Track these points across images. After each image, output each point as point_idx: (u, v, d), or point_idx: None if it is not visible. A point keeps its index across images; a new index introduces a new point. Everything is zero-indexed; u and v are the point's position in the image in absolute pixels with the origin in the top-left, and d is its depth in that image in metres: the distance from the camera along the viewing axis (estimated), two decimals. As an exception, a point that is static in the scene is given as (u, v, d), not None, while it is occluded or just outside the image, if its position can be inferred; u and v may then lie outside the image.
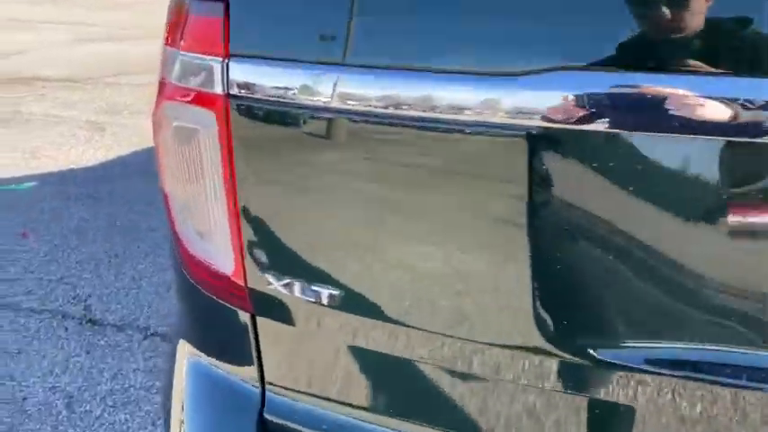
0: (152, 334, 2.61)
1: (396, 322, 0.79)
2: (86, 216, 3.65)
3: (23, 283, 2.97)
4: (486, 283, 0.77)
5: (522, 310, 0.75)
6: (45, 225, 3.54)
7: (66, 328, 2.65)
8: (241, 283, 0.86)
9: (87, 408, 2.24)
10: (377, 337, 0.82)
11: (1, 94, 6.32)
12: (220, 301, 0.90)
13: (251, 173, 0.81)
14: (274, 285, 0.84)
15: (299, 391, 0.90)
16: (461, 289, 0.77)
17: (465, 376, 0.80)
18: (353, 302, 0.81)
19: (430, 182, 0.76)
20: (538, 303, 0.75)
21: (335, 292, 0.81)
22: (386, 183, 0.77)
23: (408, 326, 0.79)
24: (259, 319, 0.88)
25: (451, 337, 0.78)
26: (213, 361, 0.95)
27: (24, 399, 2.26)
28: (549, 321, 0.76)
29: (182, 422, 0.93)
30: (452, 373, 0.81)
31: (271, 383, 0.90)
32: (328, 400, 0.89)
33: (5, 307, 2.78)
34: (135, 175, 4.22)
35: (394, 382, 0.86)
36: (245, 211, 0.83)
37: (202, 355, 0.96)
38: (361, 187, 0.78)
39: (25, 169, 4.35)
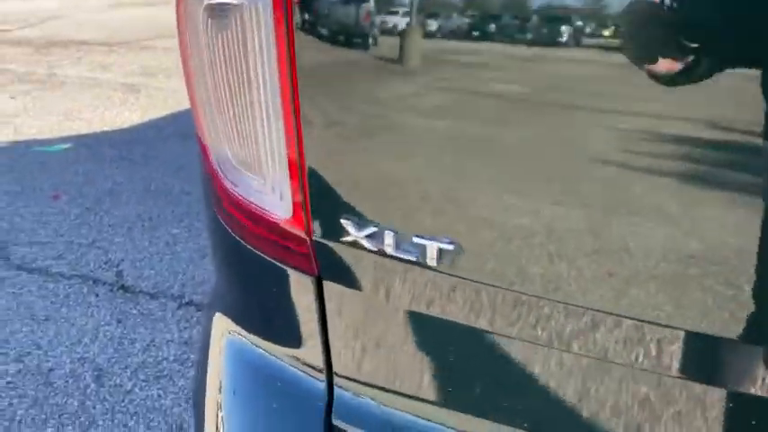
0: (187, 303, 2.42)
1: (541, 296, 0.52)
2: (120, 179, 3.51)
3: (54, 246, 2.82)
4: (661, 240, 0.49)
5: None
6: (78, 187, 3.41)
7: (97, 295, 2.48)
8: (301, 233, 0.60)
9: (117, 381, 2.06)
10: (508, 317, 0.55)
11: (37, 58, 6.29)
12: (271, 260, 0.64)
13: (322, 74, 0.55)
14: (353, 236, 0.57)
15: (380, 388, 0.64)
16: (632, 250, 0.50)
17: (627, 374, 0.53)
18: (479, 264, 0.54)
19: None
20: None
21: (450, 248, 0.54)
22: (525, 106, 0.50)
23: (560, 302, 0.52)
24: (327, 286, 0.62)
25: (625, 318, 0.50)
26: (260, 341, 0.69)
27: (51, 370, 2.09)
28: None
29: (218, 426, 0.67)
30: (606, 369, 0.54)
31: (340, 376, 0.64)
32: (422, 400, 0.62)
33: (34, 271, 2.62)
34: (170, 138, 4.07)
35: (527, 384, 0.59)
36: (311, 130, 0.56)
37: (245, 333, 0.70)
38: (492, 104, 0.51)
39: (59, 131, 4.27)
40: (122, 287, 2.53)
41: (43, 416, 1.90)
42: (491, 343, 0.59)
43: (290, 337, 0.68)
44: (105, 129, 4.29)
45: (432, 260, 0.55)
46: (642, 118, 0.49)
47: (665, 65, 0.46)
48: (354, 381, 0.65)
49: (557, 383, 0.58)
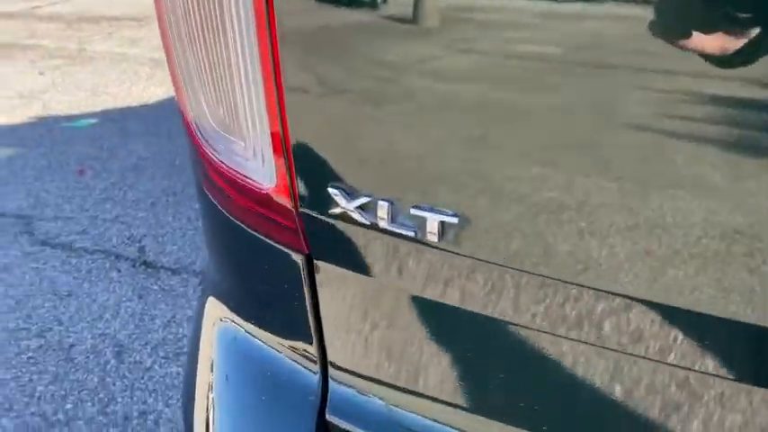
0: (208, 279, 2.38)
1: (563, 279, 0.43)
2: (145, 153, 3.50)
3: (78, 221, 2.82)
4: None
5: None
6: (103, 162, 3.41)
7: (119, 271, 2.46)
8: (287, 203, 0.52)
9: (137, 358, 2.04)
10: (521, 304, 0.46)
11: (68, 33, 6.32)
12: (258, 235, 0.56)
13: (302, 24, 0.46)
14: (342, 208, 0.49)
15: (380, 382, 0.56)
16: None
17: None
18: (487, 241, 0.45)
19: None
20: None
21: (454, 221, 0.45)
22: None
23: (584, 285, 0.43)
24: (318, 265, 0.54)
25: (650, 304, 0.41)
26: (250, 328, 0.62)
27: (72, 346, 2.09)
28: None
29: (207, 420, 0.61)
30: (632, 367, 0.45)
31: (336, 367, 0.56)
32: (425, 397, 0.54)
33: (58, 246, 2.62)
34: (196, 112, 4.04)
35: (538, 379, 0.50)
36: (294, 86, 0.48)
37: (235, 317, 0.63)
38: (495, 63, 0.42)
39: (87, 107, 4.28)
40: (144, 263, 2.51)
41: (63, 392, 1.89)
42: (502, 333, 0.50)
43: (281, 323, 0.60)
44: (132, 104, 4.29)
45: (432, 235, 0.46)
46: (685, 79, 0.40)
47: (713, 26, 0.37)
48: (351, 373, 0.57)
49: (579, 382, 0.49)
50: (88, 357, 2.03)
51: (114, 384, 1.93)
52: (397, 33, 0.45)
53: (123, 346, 2.08)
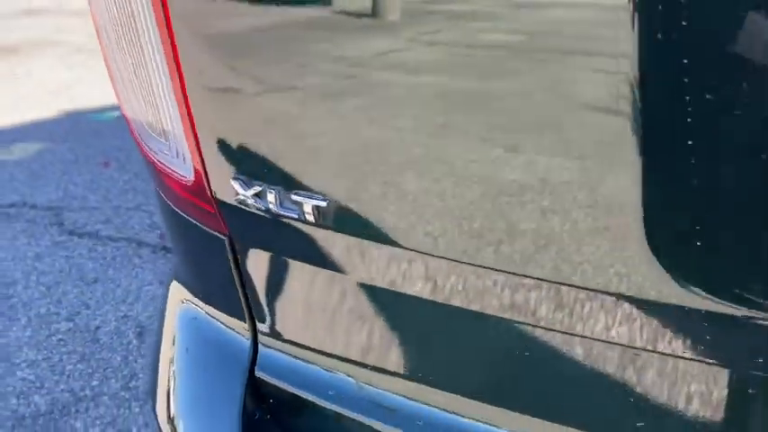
0: (222, 262, 2.50)
1: (423, 252, 0.50)
2: (166, 143, 3.62)
3: (103, 211, 2.96)
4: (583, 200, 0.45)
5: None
6: (126, 154, 3.55)
7: (141, 257, 2.59)
8: (207, 192, 0.60)
9: (157, 337, 2.17)
10: (393, 272, 0.54)
11: (94, 29, 6.46)
12: (192, 221, 0.65)
13: (203, 26, 0.53)
14: (242, 195, 0.57)
15: (300, 346, 0.64)
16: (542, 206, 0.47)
17: (526, 332, 0.50)
18: (353, 219, 0.52)
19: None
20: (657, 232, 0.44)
21: (323, 204, 0.52)
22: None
23: (452, 259, 0.50)
24: (237, 246, 0.62)
25: (516, 275, 0.48)
26: (203, 305, 0.71)
27: (97, 328, 2.23)
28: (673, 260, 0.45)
29: (168, 379, 0.70)
30: (503, 326, 0.51)
31: (263, 333, 0.65)
32: (339, 359, 0.62)
33: (84, 235, 2.77)
34: (214, 100, 4.13)
35: (419, 336, 0.57)
36: (198, 90, 0.55)
37: (193, 299, 0.72)
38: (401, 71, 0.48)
39: (111, 99, 4.40)
40: (164, 248, 2.63)
41: (90, 370, 2.04)
42: (381, 299, 0.57)
43: (221, 298, 0.69)
44: (154, 95, 4.42)
45: (310, 216, 0.53)
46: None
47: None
48: (276, 337, 0.66)
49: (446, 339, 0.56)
50: (113, 338, 2.17)
51: (136, 362, 2.07)
52: (286, 33, 0.51)
53: (144, 327, 2.22)
